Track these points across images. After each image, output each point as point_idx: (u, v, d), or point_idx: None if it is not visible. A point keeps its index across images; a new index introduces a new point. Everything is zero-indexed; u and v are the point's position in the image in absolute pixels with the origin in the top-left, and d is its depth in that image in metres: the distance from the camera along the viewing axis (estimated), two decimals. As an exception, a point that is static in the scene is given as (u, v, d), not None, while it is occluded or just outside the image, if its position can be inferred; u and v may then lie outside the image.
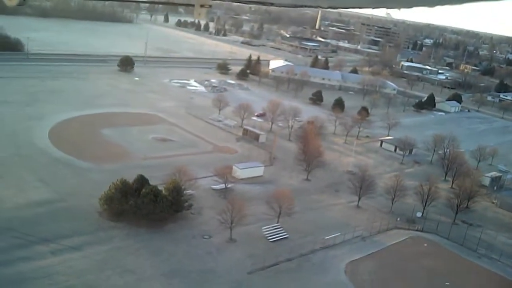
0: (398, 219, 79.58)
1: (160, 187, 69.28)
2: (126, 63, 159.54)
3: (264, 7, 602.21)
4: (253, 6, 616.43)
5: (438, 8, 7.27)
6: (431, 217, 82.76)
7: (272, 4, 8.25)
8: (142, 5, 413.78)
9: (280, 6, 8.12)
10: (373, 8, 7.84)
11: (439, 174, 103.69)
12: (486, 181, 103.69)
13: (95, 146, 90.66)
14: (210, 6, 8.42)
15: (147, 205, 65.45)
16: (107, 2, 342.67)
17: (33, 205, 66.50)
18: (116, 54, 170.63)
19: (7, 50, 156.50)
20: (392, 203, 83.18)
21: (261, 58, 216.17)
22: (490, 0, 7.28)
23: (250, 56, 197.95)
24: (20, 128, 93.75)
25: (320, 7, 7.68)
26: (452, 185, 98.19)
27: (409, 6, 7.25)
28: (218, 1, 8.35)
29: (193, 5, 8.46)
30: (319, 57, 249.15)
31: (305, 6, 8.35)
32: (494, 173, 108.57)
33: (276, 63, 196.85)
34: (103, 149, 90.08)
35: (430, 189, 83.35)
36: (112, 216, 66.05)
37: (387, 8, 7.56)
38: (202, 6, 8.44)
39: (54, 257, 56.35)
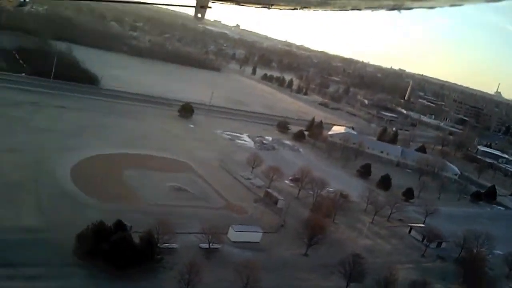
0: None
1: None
2: (186, 110, 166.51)
3: (358, 71, 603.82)
4: (347, 68, 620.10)
5: (437, 9, 7.50)
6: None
7: (271, 6, 8.55)
8: (235, 55, 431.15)
9: (279, 9, 8.52)
10: (373, 10, 8.12)
11: (460, 275, 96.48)
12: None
13: (109, 184, 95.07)
14: (210, 7, 8.62)
15: (115, 251, 67.28)
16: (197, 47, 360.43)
17: (18, 230, 70.76)
18: (184, 100, 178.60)
19: (84, 83, 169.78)
20: (384, 296, 78.48)
21: (330, 122, 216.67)
22: (491, 1, 7.32)
23: (313, 118, 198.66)
24: (49, 156, 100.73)
25: (320, 9, 8.50)
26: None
27: (409, 8, 7.57)
28: (219, 3, 8.51)
29: (193, 6, 8.61)
30: (394, 129, 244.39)
31: (305, 8, 8.59)
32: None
33: (337, 129, 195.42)
34: (115, 188, 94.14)
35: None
36: (84, 255, 68.49)
37: (387, 10, 7.72)
38: (202, 7, 8.59)
39: (8, 281, 59.55)
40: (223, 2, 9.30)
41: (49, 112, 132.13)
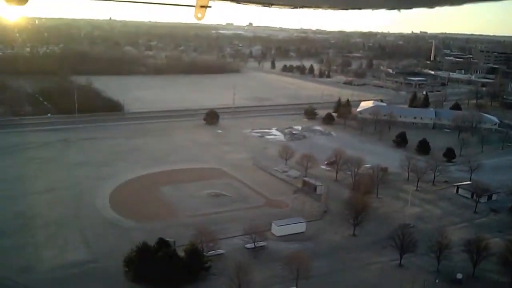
0: (437, 280, 72.72)
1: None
2: (212, 117, 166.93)
3: (379, 42, 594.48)
4: (367, 42, 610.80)
5: (437, 8, 7.61)
6: (485, 276, 74.63)
7: (271, 5, 8.68)
8: (252, 52, 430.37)
9: (279, 7, 8.69)
10: (373, 9, 8.22)
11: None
12: None
13: (147, 204, 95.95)
14: (210, 6, 8.70)
15: (162, 268, 67.73)
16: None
17: (67, 266, 72.14)
18: (208, 107, 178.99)
19: (108, 111, 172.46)
20: (438, 262, 76.34)
21: (358, 99, 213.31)
22: (491, 0, 7.37)
23: (339, 99, 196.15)
24: (88, 188, 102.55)
25: (320, 8, 8.75)
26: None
27: (409, 7, 7.68)
28: (218, 1, 8.90)
29: (193, 6, 8.69)
30: (424, 92, 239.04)
31: (305, 7, 8.69)
32: None
33: (365, 104, 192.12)
34: (154, 207, 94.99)
35: (480, 245, 75.20)
36: (134, 277, 69.27)
37: (387, 9, 7.84)
38: (202, 6, 8.68)
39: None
40: (224, 1, 9.02)
41: (79, 146, 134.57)
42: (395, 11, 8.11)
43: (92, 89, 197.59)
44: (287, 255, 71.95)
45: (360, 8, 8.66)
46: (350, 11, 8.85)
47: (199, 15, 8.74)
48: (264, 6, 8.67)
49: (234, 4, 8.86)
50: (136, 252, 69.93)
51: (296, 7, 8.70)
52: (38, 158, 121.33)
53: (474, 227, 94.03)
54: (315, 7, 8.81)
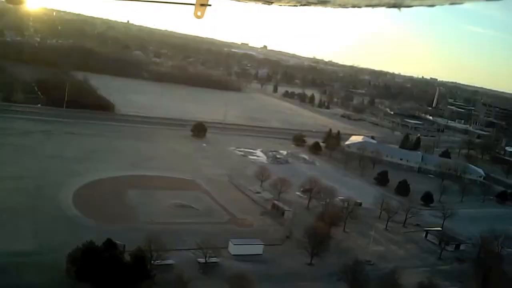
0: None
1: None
2: (199, 129, 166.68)
3: (386, 82, 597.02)
4: (374, 81, 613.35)
5: (437, 7, 7.54)
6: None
7: (271, 3, 8.59)
8: (258, 74, 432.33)
9: (279, 5, 8.60)
10: (373, 7, 8.11)
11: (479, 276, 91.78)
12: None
13: (110, 206, 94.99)
14: (210, 5, 8.61)
15: (104, 270, 66.56)
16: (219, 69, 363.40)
17: (10, 254, 70.85)
18: (198, 120, 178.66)
19: (99, 110, 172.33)
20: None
21: (351, 133, 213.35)
22: (491, 0, 7.32)
23: (330, 130, 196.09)
24: (55, 181, 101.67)
25: (320, 6, 8.50)
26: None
27: (409, 5, 7.56)
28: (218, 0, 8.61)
29: (192, 4, 8.59)
30: (418, 135, 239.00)
31: (305, 5, 8.59)
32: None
33: (355, 139, 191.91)
34: (116, 209, 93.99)
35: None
36: (76, 274, 67.98)
37: (387, 7, 7.80)
38: (202, 5, 8.57)
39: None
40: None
41: (59, 140, 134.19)
42: (396, 11, 8.07)
43: (88, 86, 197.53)
44: (234, 274, 70.79)
45: (360, 7, 8.51)
46: (350, 11, 8.86)
47: (199, 14, 8.58)
48: (265, 3, 8.61)
49: (234, 3, 8.79)
50: (81, 250, 68.88)
51: (296, 5, 8.66)
52: (14, 145, 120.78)
53: (434, 273, 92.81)
54: (314, 4, 8.73)
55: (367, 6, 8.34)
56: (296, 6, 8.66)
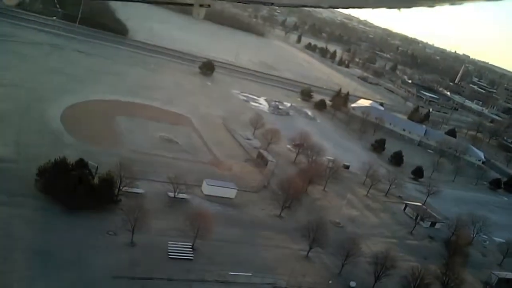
0: (330, 281, 73.00)
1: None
2: (207, 67, 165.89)
3: (415, 50, 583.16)
4: (403, 47, 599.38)
5: (438, 7, 7.59)
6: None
7: (272, 4, 8.59)
8: (285, 22, 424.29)
9: (280, 6, 9.37)
10: (374, 8, 8.14)
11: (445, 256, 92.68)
12: (492, 279, 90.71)
13: (97, 128, 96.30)
14: (209, 5, 8.63)
15: (71, 187, 68.35)
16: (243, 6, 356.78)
17: (-14, 158, 73.13)
18: (210, 58, 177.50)
19: (114, 32, 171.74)
20: (342, 265, 76.47)
21: (362, 96, 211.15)
22: (491, 0, 7.37)
23: (340, 89, 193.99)
24: (48, 95, 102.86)
25: (320, 7, 8.80)
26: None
27: (409, 6, 7.62)
28: (218, 1, 9.05)
29: (192, 5, 8.56)
30: (430, 109, 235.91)
31: (305, 6, 8.71)
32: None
33: (362, 102, 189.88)
34: (102, 132, 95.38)
35: (386, 261, 75.09)
36: (42, 188, 69.95)
37: (387, 8, 7.79)
38: (201, 5, 8.56)
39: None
40: (223, 0, 9.06)
41: (65, 55, 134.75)
42: (397, 12, 8.25)
43: (107, 6, 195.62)
44: (195, 212, 72.24)
45: (359, 7, 8.61)
46: (349, 11, 8.67)
47: (199, 14, 8.60)
48: (265, 4, 8.72)
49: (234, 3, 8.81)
50: (52, 164, 70.56)
51: (297, 6, 8.94)
52: (17, 53, 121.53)
53: (401, 246, 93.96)
54: (314, 6, 8.88)
55: (366, 7, 8.23)
56: (296, 6, 9.18)
